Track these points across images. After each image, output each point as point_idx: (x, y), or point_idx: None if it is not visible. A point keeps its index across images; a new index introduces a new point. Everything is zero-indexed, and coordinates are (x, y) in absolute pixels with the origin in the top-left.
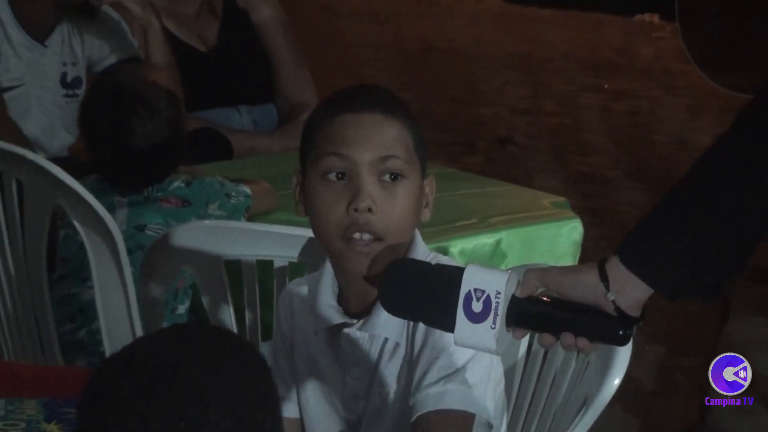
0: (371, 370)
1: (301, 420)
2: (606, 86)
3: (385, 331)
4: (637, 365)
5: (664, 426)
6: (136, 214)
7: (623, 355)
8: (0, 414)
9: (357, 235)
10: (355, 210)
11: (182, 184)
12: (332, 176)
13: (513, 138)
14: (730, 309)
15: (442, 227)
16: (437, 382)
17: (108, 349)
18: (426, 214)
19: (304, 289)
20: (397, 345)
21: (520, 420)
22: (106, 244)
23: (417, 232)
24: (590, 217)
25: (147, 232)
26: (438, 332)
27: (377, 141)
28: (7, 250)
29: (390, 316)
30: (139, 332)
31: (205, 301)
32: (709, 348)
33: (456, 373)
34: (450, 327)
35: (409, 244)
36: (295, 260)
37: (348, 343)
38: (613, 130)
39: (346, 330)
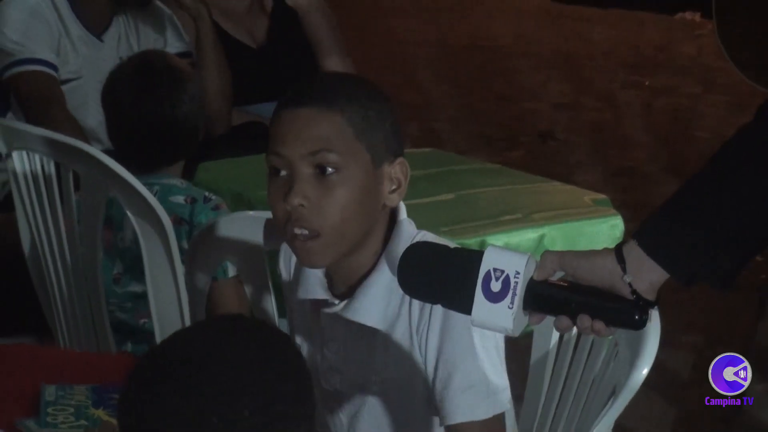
0: (353, 351)
1: None
2: (647, 83)
3: (365, 318)
4: (673, 356)
5: (699, 416)
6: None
7: (651, 345)
8: (51, 399)
9: (297, 230)
10: (290, 206)
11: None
12: (275, 172)
13: (554, 133)
14: (767, 302)
15: (487, 221)
16: (466, 390)
17: (159, 337)
18: (394, 199)
19: None
20: (386, 333)
21: (551, 407)
22: (158, 235)
23: (402, 213)
24: (628, 210)
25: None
26: (457, 334)
27: (308, 135)
28: (64, 239)
29: (372, 302)
30: (188, 321)
31: (248, 290)
32: (746, 340)
33: (482, 382)
34: (467, 308)
35: (387, 232)
36: None
37: (327, 319)
38: (653, 126)
39: (327, 309)
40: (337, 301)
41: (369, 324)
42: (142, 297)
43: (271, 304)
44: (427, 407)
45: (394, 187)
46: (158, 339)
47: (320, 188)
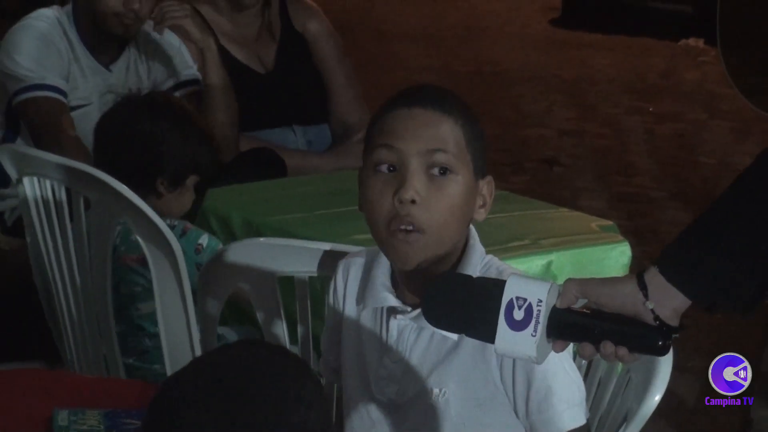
0: (418, 360)
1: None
2: (651, 109)
3: None
4: (680, 381)
5: None
6: None
7: (664, 371)
8: (64, 424)
9: (403, 225)
10: (400, 201)
11: None
12: (383, 168)
13: (559, 158)
14: None
15: (495, 247)
16: (565, 402)
17: (168, 361)
18: (481, 214)
19: (361, 260)
20: (457, 344)
21: None
22: (168, 260)
23: (474, 234)
24: (634, 236)
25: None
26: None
27: (426, 134)
28: (74, 264)
29: None
30: (197, 346)
31: (259, 316)
32: (752, 366)
33: (576, 392)
34: (490, 337)
35: (465, 246)
36: None
37: (395, 327)
38: (658, 151)
39: (399, 317)
40: (409, 309)
41: (445, 333)
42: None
43: (282, 329)
44: (488, 420)
45: (481, 203)
46: (167, 363)
47: (431, 186)
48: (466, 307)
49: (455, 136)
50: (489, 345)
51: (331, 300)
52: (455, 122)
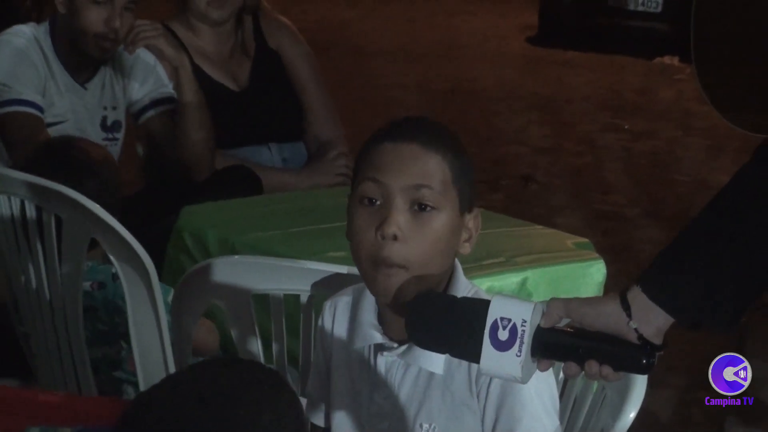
0: (407, 396)
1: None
2: (626, 127)
3: (428, 362)
4: (654, 399)
5: None
6: None
7: (639, 389)
8: None
9: (384, 260)
10: (382, 236)
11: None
12: (366, 201)
13: (535, 176)
14: (746, 345)
15: (470, 265)
16: None
17: (141, 379)
18: (466, 248)
19: (347, 299)
20: (444, 379)
21: None
22: (141, 278)
23: (458, 266)
24: (609, 254)
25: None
26: (519, 389)
27: (411, 170)
28: (45, 283)
29: None
30: (171, 363)
31: (234, 333)
32: None
33: None
34: (475, 357)
35: (449, 277)
36: (322, 295)
37: (383, 364)
38: (633, 169)
39: (386, 353)
40: (396, 345)
41: (431, 369)
42: None
43: (257, 347)
44: None
45: (467, 236)
46: (141, 382)
47: (414, 223)
48: (451, 327)
49: (441, 172)
50: (475, 381)
51: (319, 341)
52: (442, 158)
